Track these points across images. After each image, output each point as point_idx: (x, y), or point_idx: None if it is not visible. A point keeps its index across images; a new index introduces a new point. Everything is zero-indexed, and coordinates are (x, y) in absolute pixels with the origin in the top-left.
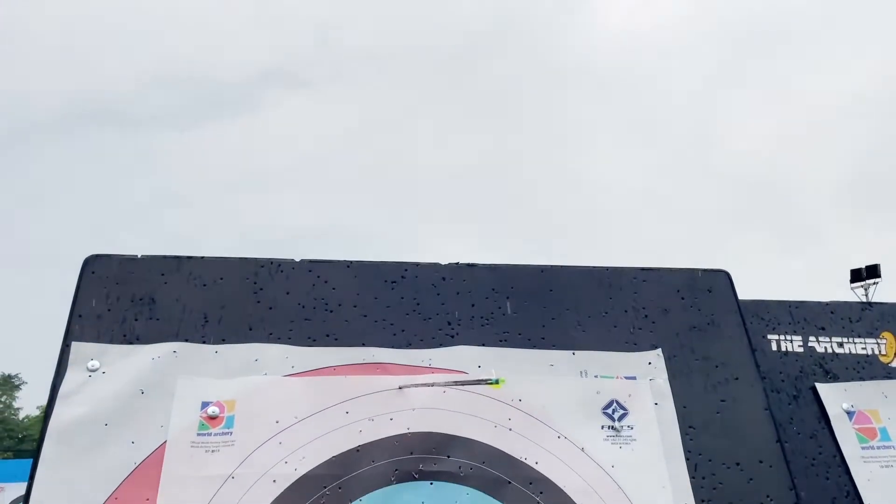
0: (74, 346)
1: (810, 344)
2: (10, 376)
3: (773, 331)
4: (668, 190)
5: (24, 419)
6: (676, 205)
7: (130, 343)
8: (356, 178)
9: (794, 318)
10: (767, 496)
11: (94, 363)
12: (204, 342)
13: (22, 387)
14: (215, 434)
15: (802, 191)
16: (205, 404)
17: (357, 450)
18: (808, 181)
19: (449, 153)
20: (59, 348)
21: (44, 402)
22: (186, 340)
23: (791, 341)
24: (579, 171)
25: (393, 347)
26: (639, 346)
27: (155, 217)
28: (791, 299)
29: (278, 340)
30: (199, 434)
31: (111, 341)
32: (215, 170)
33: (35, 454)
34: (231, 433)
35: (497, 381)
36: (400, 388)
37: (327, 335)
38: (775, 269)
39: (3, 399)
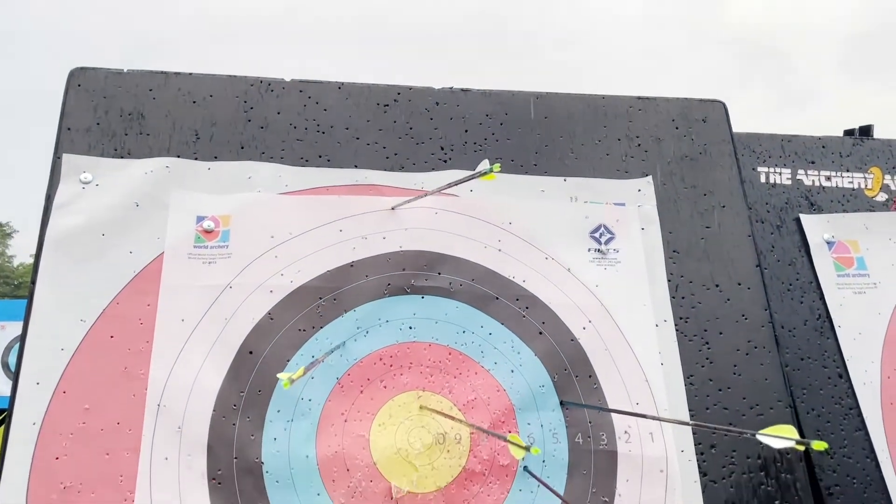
0: (65, 157)
1: (798, 177)
2: (1, 224)
3: (764, 163)
4: (671, 46)
5: (17, 266)
6: (678, 62)
7: (122, 157)
8: (341, 29)
9: (784, 151)
10: (743, 315)
11: (87, 175)
12: (196, 158)
13: (14, 235)
14: (212, 247)
15: (803, 55)
16: (200, 218)
17: (351, 265)
18: (810, 45)
19: None
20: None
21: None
22: (178, 156)
23: (780, 174)
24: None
25: (385, 170)
26: (630, 173)
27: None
28: (784, 133)
29: (271, 159)
30: (195, 246)
31: (102, 155)
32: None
33: (34, 263)
34: (227, 246)
35: (490, 171)
36: (393, 208)
37: (320, 156)
38: (773, 129)
39: None
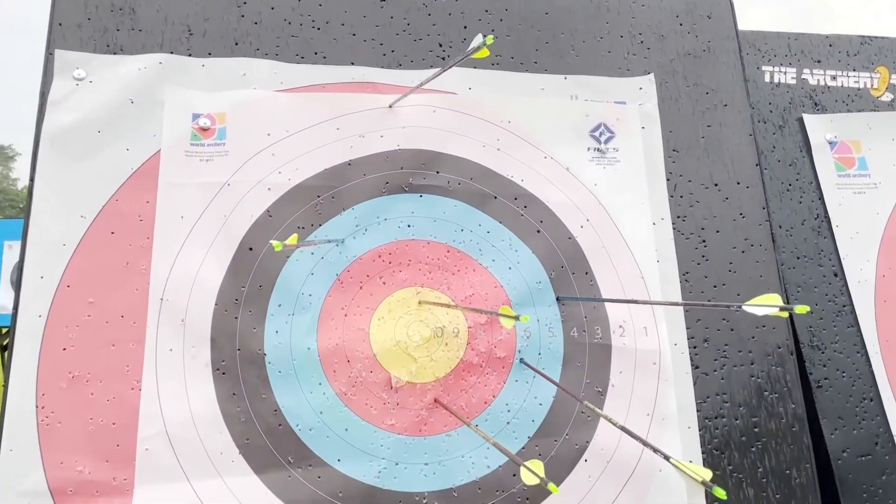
0: (58, 53)
1: (804, 76)
2: (3, 147)
3: (769, 62)
4: None
5: (22, 189)
6: None
7: (114, 53)
8: None
9: (791, 50)
10: (740, 213)
11: (80, 72)
12: (190, 55)
13: (16, 158)
14: (208, 145)
15: None
16: (195, 116)
17: (349, 163)
18: None
19: None
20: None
21: None
22: (172, 52)
23: (784, 73)
24: None
25: (382, 67)
26: (631, 71)
27: None
28: (791, 31)
29: (266, 56)
30: (192, 144)
31: (95, 51)
32: None
33: (32, 161)
34: (224, 144)
35: (484, 45)
36: (390, 106)
37: (315, 53)
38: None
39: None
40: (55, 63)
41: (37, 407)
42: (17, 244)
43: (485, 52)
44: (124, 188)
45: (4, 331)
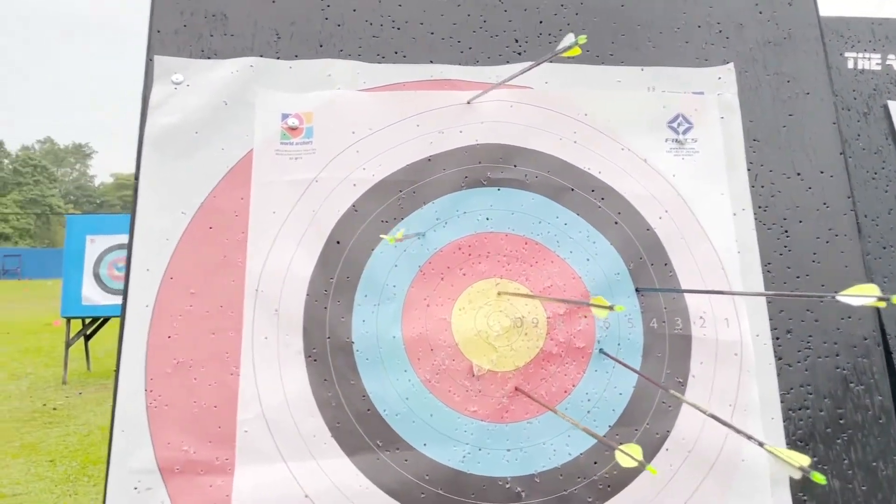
0: (157, 59)
1: (888, 62)
2: (80, 145)
3: (852, 48)
4: None
5: (98, 185)
6: None
7: (209, 58)
8: None
9: (875, 35)
10: (824, 203)
11: (178, 76)
12: (278, 57)
13: (93, 155)
14: (297, 143)
15: None
16: (284, 116)
17: (428, 159)
18: None
19: None
20: (123, 118)
21: (114, 169)
22: (261, 55)
23: (869, 59)
24: None
25: (460, 64)
26: (710, 61)
27: None
28: (875, 16)
29: (349, 57)
30: (281, 143)
31: (190, 56)
32: None
33: (136, 161)
34: (311, 143)
35: (576, 44)
36: (468, 102)
37: (395, 52)
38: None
39: (77, 167)
40: (155, 68)
41: (146, 391)
42: (99, 238)
43: (576, 51)
44: (220, 186)
45: (88, 321)
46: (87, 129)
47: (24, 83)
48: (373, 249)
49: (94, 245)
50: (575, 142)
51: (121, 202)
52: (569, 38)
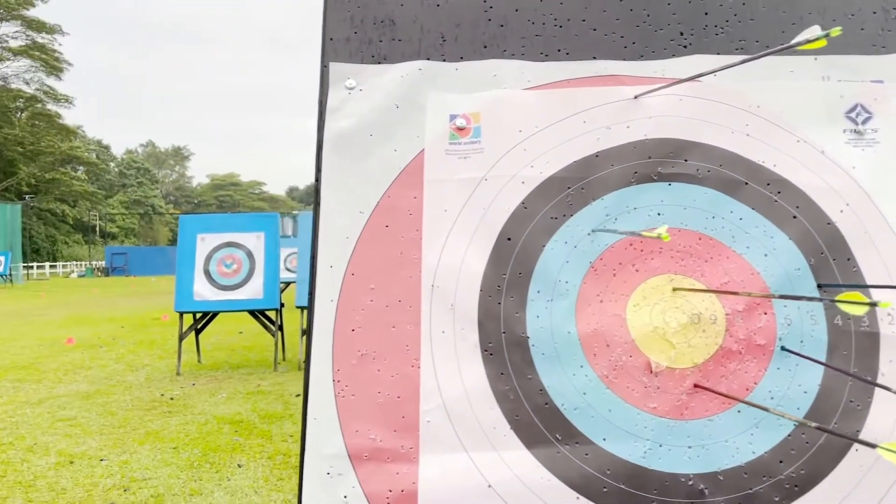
0: (332, 66)
1: None
2: (179, 148)
3: None
4: None
5: (196, 186)
6: None
7: (379, 63)
8: None
9: None
10: None
11: (351, 82)
12: (444, 60)
13: (191, 157)
14: (465, 143)
15: None
16: (452, 117)
17: (596, 155)
18: None
19: None
20: (221, 122)
21: (210, 170)
22: (428, 59)
23: None
24: None
25: (624, 59)
26: (888, 48)
27: None
28: None
29: (513, 56)
30: (450, 143)
31: (362, 61)
32: None
33: (316, 163)
34: (479, 142)
35: (827, 35)
36: (636, 97)
37: (559, 50)
38: None
39: (176, 169)
40: (330, 75)
41: (333, 381)
42: (208, 236)
43: (821, 43)
44: (394, 186)
45: (199, 315)
46: (185, 131)
47: (128, 90)
48: (543, 246)
49: (204, 243)
50: (747, 134)
51: (216, 202)
52: (813, 31)
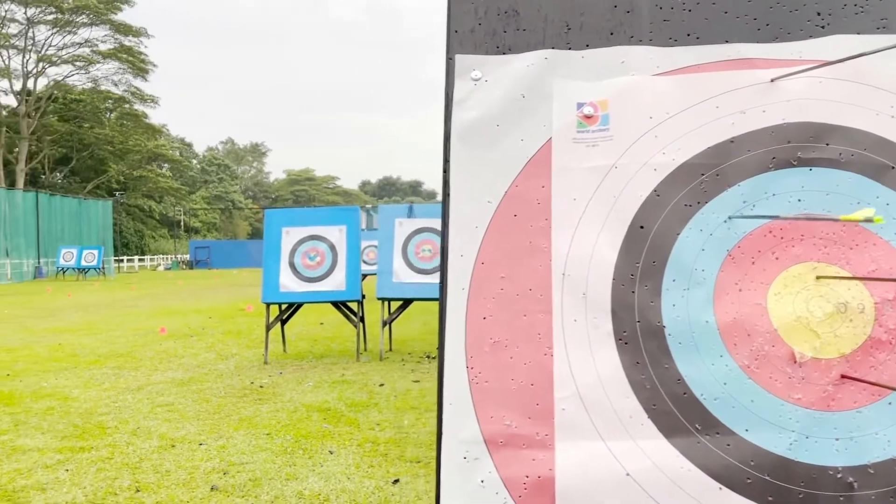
0: (457, 58)
1: None
2: (257, 144)
3: None
4: None
5: (273, 181)
6: None
7: (504, 53)
8: None
9: None
10: None
11: (477, 73)
12: (570, 48)
13: (268, 154)
14: (593, 131)
15: None
16: (580, 105)
17: (731, 141)
18: None
19: None
20: (293, 119)
21: (286, 165)
22: (553, 48)
23: None
24: None
25: (759, 42)
26: None
27: None
28: None
29: (640, 42)
30: (578, 131)
31: (487, 52)
32: None
33: (444, 154)
34: (608, 129)
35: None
36: (772, 80)
37: (688, 34)
38: None
39: (254, 165)
40: (455, 67)
41: (467, 368)
42: (293, 230)
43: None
44: (522, 175)
45: (285, 307)
46: (262, 128)
47: (208, 89)
48: (678, 234)
49: (289, 236)
50: (893, 116)
51: (293, 196)
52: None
